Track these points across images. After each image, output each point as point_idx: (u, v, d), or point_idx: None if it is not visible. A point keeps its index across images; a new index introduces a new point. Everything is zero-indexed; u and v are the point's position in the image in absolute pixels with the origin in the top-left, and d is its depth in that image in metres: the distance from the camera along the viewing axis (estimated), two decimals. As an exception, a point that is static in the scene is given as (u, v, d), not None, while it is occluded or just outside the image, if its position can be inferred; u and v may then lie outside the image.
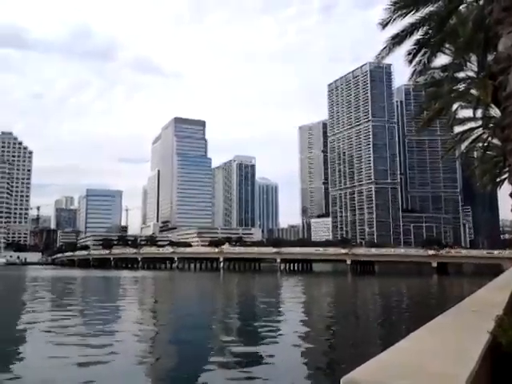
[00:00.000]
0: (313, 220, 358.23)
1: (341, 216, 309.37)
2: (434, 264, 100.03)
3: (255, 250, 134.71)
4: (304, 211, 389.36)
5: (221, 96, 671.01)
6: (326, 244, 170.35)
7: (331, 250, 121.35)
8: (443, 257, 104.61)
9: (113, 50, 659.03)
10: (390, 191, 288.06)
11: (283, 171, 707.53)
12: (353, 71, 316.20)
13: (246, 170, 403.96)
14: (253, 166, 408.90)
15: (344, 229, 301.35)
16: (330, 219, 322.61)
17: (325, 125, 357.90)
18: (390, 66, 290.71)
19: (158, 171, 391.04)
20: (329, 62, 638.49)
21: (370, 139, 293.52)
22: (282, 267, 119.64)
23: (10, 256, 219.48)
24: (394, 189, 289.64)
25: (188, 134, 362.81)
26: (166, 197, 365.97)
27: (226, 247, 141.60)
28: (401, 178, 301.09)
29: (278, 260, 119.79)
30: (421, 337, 3.29)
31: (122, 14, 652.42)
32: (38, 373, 14.53)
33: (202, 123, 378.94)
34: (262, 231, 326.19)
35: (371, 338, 21.54)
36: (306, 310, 34.01)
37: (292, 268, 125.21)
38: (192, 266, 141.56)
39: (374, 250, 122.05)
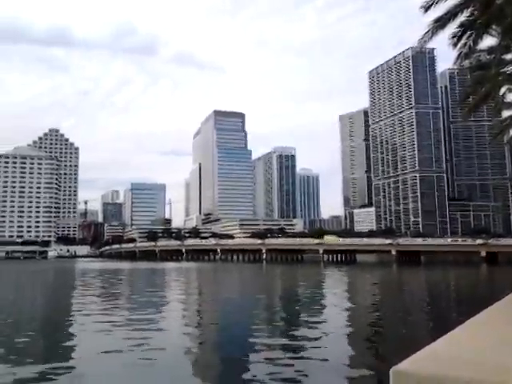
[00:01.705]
0: (355, 210, 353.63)
1: (384, 206, 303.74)
2: (483, 253, 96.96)
3: (297, 241, 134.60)
4: (346, 201, 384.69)
5: (260, 88, 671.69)
6: (370, 234, 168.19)
7: (375, 241, 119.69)
8: (493, 246, 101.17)
9: (155, 45, 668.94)
10: (436, 179, 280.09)
11: (324, 161, 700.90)
12: (394, 57, 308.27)
13: (286, 161, 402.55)
14: (293, 157, 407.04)
15: (388, 219, 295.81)
16: (373, 209, 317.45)
17: (366, 113, 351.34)
18: (433, 50, 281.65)
19: (200, 164, 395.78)
20: (369, 50, 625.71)
21: (414, 126, 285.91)
22: (324, 258, 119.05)
23: (61, 249, 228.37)
24: (439, 177, 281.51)
25: (228, 127, 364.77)
26: (208, 189, 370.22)
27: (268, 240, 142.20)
28: (446, 166, 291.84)
29: (321, 251, 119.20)
30: (472, 327, 3.16)
31: (163, 9, 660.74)
32: (87, 362, 15.04)
33: (242, 116, 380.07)
34: (304, 222, 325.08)
35: (419, 328, 21.18)
36: (351, 301, 33.75)
37: (335, 259, 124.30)
38: (235, 257, 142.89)
39: (419, 240, 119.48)
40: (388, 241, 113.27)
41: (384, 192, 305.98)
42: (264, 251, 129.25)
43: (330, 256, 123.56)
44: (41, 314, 28.46)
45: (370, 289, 45.50)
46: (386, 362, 13.01)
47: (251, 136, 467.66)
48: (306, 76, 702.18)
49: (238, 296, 38.79)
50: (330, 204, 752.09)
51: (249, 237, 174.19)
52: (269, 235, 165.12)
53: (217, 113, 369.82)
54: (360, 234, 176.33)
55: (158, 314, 25.96)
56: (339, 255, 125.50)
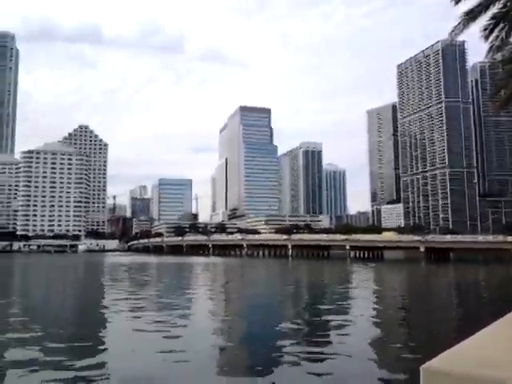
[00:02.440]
0: (383, 206, 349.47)
1: (413, 202, 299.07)
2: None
3: (324, 237, 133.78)
4: (374, 197, 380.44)
5: (286, 84, 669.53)
6: (398, 231, 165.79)
7: (403, 237, 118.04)
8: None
9: (182, 43, 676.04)
10: (466, 175, 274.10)
11: (351, 157, 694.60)
12: (423, 51, 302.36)
13: (312, 157, 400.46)
14: (319, 153, 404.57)
15: (416, 215, 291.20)
16: (401, 205, 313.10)
17: (394, 108, 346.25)
18: (463, 43, 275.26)
19: (226, 160, 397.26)
20: (396, 44, 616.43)
21: (443, 121, 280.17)
22: (351, 254, 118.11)
23: (90, 243, 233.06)
24: (469, 172, 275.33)
25: (254, 123, 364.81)
26: (234, 185, 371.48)
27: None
28: (477, 161, 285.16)
29: (348, 247, 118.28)
30: (504, 326, 3.11)
31: (189, 7, 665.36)
32: (118, 357, 15.28)
33: (268, 111, 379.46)
34: (331, 218, 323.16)
35: (449, 327, 20.88)
36: (378, 298, 33.47)
37: (362, 255, 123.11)
38: (260, 252, 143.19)
39: (449, 237, 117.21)
40: (416, 237, 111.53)
41: (412, 188, 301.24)
42: (290, 247, 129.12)
43: (357, 252, 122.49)
44: (75, 305, 29.21)
45: (398, 286, 45.01)
46: (416, 360, 12.86)
47: (277, 131, 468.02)
48: (333, 71, 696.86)
49: (264, 291, 38.91)
50: (357, 200, 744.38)
51: (274, 232, 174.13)
52: (295, 231, 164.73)
53: (243, 108, 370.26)
54: (388, 230, 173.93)
55: (187, 309, 26.30)
56: (366, 252, 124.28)
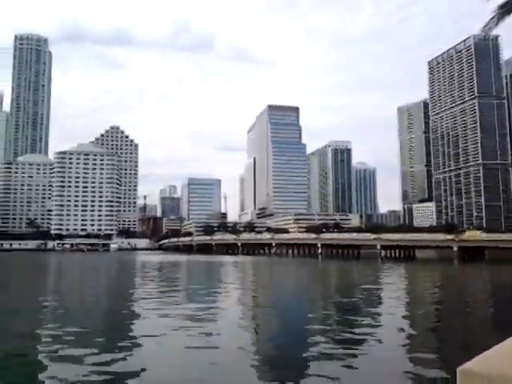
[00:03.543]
0: (414, 205, 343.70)
1: (445, 200, 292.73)
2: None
3: (353, 236, 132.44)
4: (405, 196, 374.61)
5: (314, 81, 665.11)
6: (430, 230, 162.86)
7: (436, 236, 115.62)
8: None
9: (210, 42, 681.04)
10: (501, 172, 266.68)
11: (381, 155, 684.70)
12: (455, 46, 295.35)
13: (341, 155, 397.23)
14: (349, 151, 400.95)
15: (449, 214, 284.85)
16: (433, 204, 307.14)
17: (426, 104, 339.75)
18: (497, 37, 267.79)
19: (254, 159, 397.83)
20: (427, 39, 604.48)
21: (477, 117, 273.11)
22: (382, 254, 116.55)
23: (122, 242, 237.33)
24: (504, 170, 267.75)
25: (282, 121, 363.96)
26: (263, 184, 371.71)
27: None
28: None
29: (378, 246, 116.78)
30: None
31: (218, 6, 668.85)
32: (147, 356, 15.44)
33: (296, 109, 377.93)
34: (361, 217, 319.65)
35: (485, 328, 20.29)
36: (410, 298, 32.88)
37: (393, 255, 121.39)
38: (290, 252, 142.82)
39: (483, 236, 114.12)
40: (449, 236, 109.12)
41: (445, 186, 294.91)
42: (319, 246, 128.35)
43: (388, 252, 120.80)
44: (110, 301, 29.74)
45: (432, 286, 44.11)
46: (452, 362, 12.51)
47: (306, 130, 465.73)
48: (362, 68, 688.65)
49: (295, 290, 38.76)
50: (388, 198, 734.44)
51: (303, 231, 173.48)
52: (324, 230, 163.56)
53: (271, 107, 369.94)
54: (419, 229, 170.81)
55: (218, 308, 26.40)
56: (397, 251, 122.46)
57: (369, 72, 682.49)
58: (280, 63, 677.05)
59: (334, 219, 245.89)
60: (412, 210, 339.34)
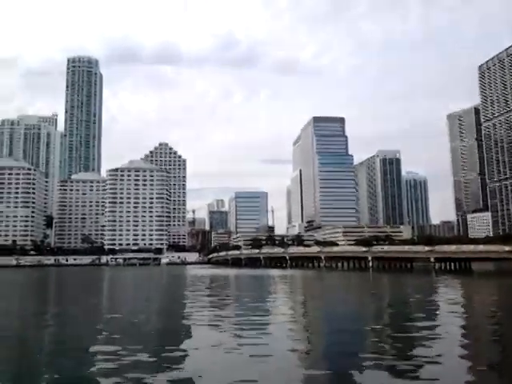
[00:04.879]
0: (469, 215, 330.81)
1: (502, 210, 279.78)
2: None
3: (405, 248, 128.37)
4: (458, 206, 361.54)
5: (361, 90, 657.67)
6: (486, 241, 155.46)
7: (493, 248, 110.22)
8: None
9: (255, 56, 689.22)
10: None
11: (432, 164, 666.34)
12: (506, 49, 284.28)
13: (390, 165, 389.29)
14: (398, 161, 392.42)
15: (507, 224, 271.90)
16: (489, 214, 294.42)
17: (477, 110, 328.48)
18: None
19: (300, 171, 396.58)
20: (477, 43, 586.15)
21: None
22: (436, 266, 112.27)
23: (172, 256, 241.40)
24: None
25: (328, 132, 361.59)
26: (309, 196, 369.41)
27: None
28: None
29: (432, 259, 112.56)
30: None
31: (262, 18, 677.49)
32: (198, 365, 15.54)
33: (342, 120, 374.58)
34: (412, 228, 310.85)
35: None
36: (471, 315, 31.13)
37: (448, 267, 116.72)
38: (339, 265, 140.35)
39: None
40: (507, 247, 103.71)
41: (501, 195, 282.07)
42: (370, 259, 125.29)
43: (443, 264, 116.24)
44: (162, 313, 29.87)
45: (489, 301, 41.75)
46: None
47: (352, 140, 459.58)
48: (409, 75, 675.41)
49: (347, 304, 37.64)
50: (441, 209, 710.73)
51: (353, 244, 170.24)
52: (374, 242, 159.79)
53: (316, 119, 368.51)
54: (475, 241, 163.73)
55: (266, 322, 25.90)
56: (452, 263, 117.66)
57: (417, 79, 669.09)
58: (326, 73, 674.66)
59: (385, 231, 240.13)
60: (466, 221, 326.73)
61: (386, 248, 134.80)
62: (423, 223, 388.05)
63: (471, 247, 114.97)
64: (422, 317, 28.52)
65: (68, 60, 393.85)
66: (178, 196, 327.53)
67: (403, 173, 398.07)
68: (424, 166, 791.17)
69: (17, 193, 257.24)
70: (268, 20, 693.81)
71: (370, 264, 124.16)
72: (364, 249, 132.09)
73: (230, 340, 19.67)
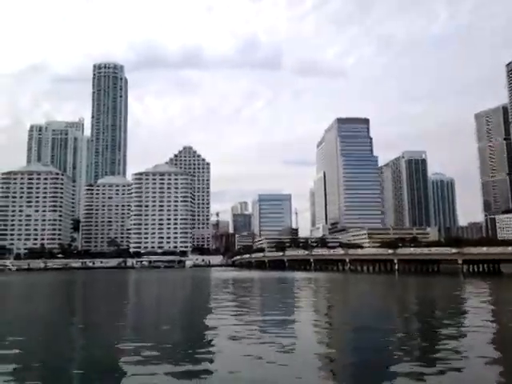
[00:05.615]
0: (498, 216, 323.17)
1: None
2: None
3: (432, 250, 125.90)
4: (487, 206, 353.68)
5: (385, 90, 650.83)
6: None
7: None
8: None
9: (278, 57, 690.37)
10: None
11: (459, 164, 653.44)
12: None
13: (416, 166, 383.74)
14: (424, 161, 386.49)
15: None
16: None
17: (505, 109, 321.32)
18: None
19: (324, 173, 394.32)
20: (505, 41, 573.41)
21: None
22: (464, 269, 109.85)
23: (196, 259, 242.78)
24: None
25: (352, 134, 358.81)
26: (334, 198, 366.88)
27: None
28: None
29: (460, 261, 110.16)
30: None
31: (286, 19, 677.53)
32: (228, 365, 15.54)
33: (366, 121, 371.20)
34: (439, 230, 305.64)
35: None
36: (498, 320, 30.22)
37: (476, 269, 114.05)
38: (364, 267, 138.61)
39: None
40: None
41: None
42: (396, 261, 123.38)
43: (471, 266, 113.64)
44: (188, 315, 29.91)
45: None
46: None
47: (377, 141, 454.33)
48: (434, 75, 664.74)
49: (371, 309, 37.04)
50: (468, 210, 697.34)
51: (378, 246, 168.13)
52: (400, 245, 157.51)
53: (340, 120, 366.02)
54: (504, 242, 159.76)
55: (292, 322, 25.65)
56: (480, 266, 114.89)
57: (443, 78, 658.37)
58: (350, 74, 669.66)
59: (411, 233, 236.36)
60: (495, 222, 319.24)
61: (412, 250, 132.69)
62: (450, 225, 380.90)
63: (499, 249, 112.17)
64: (452, 323, 27.80)
65: (94, 66, 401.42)
66: (202, 199, 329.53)
67: (429, 174, 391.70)
68: (451, 167, 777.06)
69: (45, 197, 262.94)
70: (291, 21, 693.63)
71: (396, 267, 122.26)
72: (390, 251, 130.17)
73: (253, 341, 19.60)
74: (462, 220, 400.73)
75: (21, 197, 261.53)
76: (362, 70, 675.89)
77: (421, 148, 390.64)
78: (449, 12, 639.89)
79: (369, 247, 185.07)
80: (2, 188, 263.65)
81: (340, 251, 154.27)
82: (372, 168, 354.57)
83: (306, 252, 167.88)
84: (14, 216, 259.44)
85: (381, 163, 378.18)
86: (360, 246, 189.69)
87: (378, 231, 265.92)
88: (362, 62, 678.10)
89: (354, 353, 18.85)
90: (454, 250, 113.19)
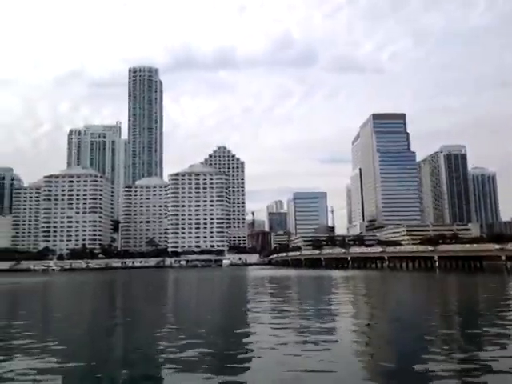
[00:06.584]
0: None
1: None
2: None
3: (474, 247, 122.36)
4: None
5: (422, 84, 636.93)
6: None
7: None
8: None
9: (312, 54, 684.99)
10: None
11: (501, 158, 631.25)
12: None
13: (455, 161, 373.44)
14: (463, 156, 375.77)
15: None
16: None
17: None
18: None
19: (360, 170, 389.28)
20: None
21: None
22: (508, 265, 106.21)
23: (233, 257, 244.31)
24: None
25: (388, 129, 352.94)
26: (370, 195, 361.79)
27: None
28: None
29: (503, 257, 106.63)
30: None
31: (319, 16, 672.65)
32: (266, 364, 15.60)
33: (402, 116, 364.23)
34: (481, 226, 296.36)
35: None
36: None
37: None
38: (404, 265, 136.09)
39: None
40: None
41: None
42: (436, 258, 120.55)
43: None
44: (228, 312, 30.08)
45: None
46: None
47: (414, 137, 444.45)
48: (473, 67, 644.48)
49: (415, 306, 36.22)
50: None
51: (417, 243, 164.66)
52: (440, 241, 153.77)
53: (375, 116, 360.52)
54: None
55: (331, 323, 25.35)
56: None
57: (481, 70, 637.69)
58: (385, 69, 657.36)
59: (451, 230, 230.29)
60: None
61: (452, 247, 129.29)
62: (492, 220, 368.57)
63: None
64: (491, 323, 26.85)
65: (129, 70, 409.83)
66: (237, 198, 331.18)
67: (469, 168, 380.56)
68: (492, 161, 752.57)
69: (85, 199, 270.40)
70: (324, 17, 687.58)
71: (437, 264, 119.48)
72: (430, 248, 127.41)
73: (294, 341, 19.52)
74: (505, 215, 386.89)
75: (62, 199, 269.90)
76: (398, 64, 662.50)
77: (460, 142, 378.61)
78: (488, 1, 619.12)
79: (407, 244, 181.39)
80: (45, 191, 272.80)
81: (378, 249, 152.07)
82: (409, 164, 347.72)
83: (343, 250, 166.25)
84: (56, 218, 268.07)
85: (418, 159, 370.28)
86: (398, 244, 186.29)
87: (417, 228, 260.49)
88: (398, 56, 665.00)
89: (400, 358, 18.42)
90: (496, 246, 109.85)
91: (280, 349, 18.36)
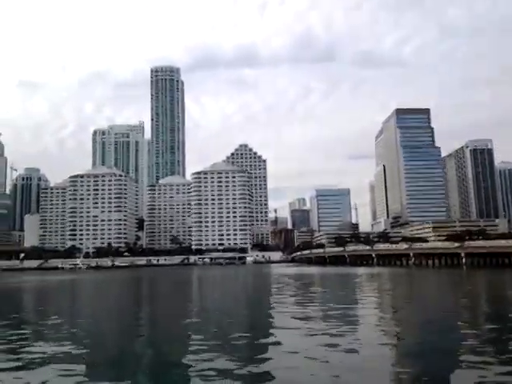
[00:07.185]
0: None
1: None
2: None
3: (502, 243, 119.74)
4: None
5: (446, 78, 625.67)
6: None
7: None
8: None
9: (334, 49, 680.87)
10: None
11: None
12: None
13: (481, 156, 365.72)
14: (490, 150, 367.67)
15: None
16: None
17: None
18: None
19: (384, 166, 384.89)
20: None
21: None
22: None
23: (257, 255, 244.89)
24: None
25: (412, 124, 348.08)
26: (395, 191, 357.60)
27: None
28: None
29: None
30: None
31: (340, 10, 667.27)
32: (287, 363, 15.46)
33: (426, 111, 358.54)
34: (509, 221, 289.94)
35: None
36: None
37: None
38: (429, 262, 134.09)
39: None
40: None
41: None
42: (463, 255, 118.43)
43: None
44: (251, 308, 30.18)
45: None
46: None
47: (439, 131, 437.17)
48: (500, 59, 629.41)
49: (438, 306, 35.67)
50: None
51: (444, 240, 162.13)
52: (467, 238, 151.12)
53: (399, 111, 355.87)
54: None
55: (355, 321, 25.18)
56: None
57: (509, 62, 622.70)
58: (409, 63, 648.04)
59: (478, 225, 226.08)
60: None
61: (480, 243, 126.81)
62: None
63: None
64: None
65: (151, 70, 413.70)
66: (260, 196, 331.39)
67: (496, 163, 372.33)
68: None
69: (110, 198, 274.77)
70: (346, 11, 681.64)
71: (463, 260, 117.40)
72: (456, 244, 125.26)
73: (317, 341, 19.25)
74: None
75: (88, 198, 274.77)
76: (422, 57, 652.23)
77: (487, 137, 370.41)
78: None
79: (433, 241, 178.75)
80: (71, 191, 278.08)
81: (403, 245, 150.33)
82: (434, 159, 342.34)
83: (368, 247, 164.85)
84: (82, 217, 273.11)
85: (443, 154, 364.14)
86: (424, 240, 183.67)
87: (443, 224, 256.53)
88: (422, 49, 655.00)
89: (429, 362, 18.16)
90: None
91: (304, 345, 18.26)
